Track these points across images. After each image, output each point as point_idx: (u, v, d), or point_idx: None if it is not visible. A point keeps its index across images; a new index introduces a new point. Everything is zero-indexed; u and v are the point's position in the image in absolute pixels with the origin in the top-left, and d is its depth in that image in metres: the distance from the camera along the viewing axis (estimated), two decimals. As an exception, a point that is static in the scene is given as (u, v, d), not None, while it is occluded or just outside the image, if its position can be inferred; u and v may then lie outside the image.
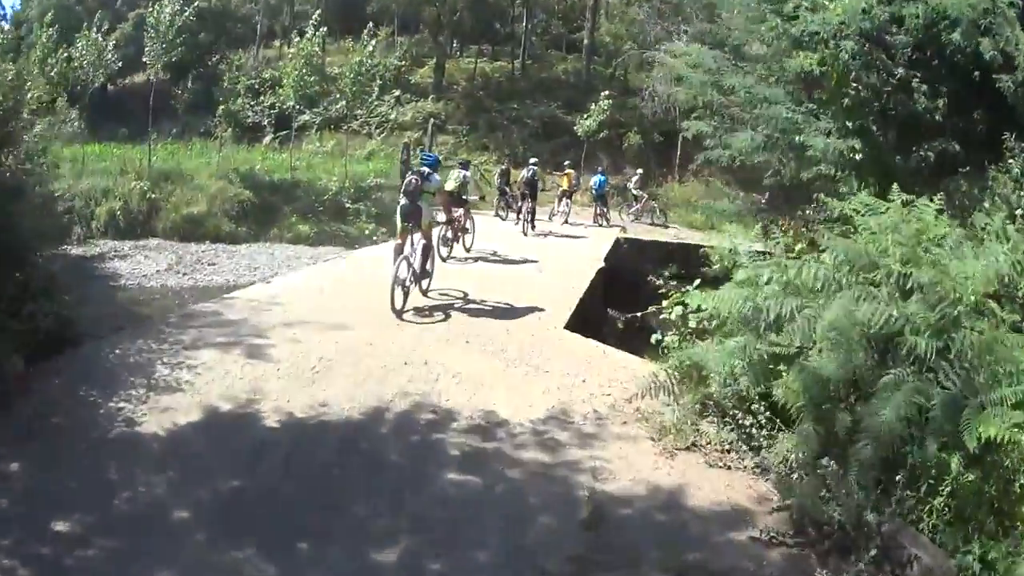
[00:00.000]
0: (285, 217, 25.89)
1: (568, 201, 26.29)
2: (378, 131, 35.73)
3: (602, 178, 28.18)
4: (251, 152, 33.85)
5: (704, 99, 14.99)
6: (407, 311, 10.89)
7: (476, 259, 16.72)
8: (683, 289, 10.36)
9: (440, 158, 14.32)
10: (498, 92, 39.12)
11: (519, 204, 22.85)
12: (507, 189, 24.13)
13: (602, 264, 18.26)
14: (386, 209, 26.62)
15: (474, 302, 12.19)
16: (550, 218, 25.83)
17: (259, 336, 9.31)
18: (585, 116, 33.02)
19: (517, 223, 22.17)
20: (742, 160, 14.54)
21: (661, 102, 32.64)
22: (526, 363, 9.07)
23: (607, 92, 33.75)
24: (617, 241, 23.44)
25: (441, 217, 15.31)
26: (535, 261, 17.25)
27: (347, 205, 27.61)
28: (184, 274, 20.42)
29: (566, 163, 28.54)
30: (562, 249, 20.22)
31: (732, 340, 7.06)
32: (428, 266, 12.12)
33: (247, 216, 25.63)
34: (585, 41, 42.70)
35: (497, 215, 24.26)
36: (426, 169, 11.70)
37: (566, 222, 25.77)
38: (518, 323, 10.99)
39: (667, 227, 30.08)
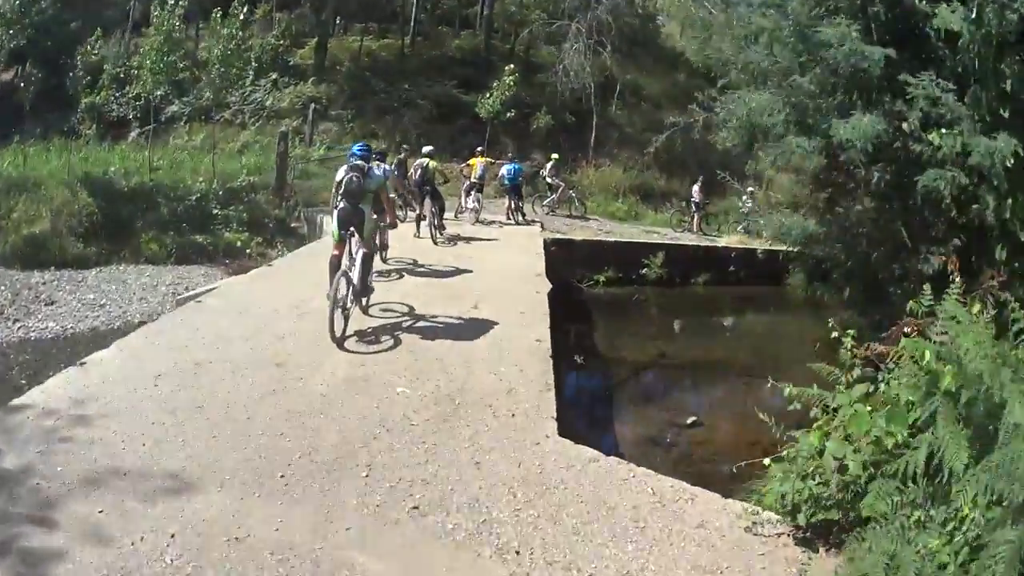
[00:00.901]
0: (143, 231, 21.05)
1: (478, 196, 22.49)
2: (253, 120, 31.06)
3: (516, 166, 24.39)
4: (111, 152, 28.84)
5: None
6: (349, 336, 9.58)
7: (399, 272, 14.44)
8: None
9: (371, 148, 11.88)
10: (386, 72, 34.80)
11: (420, 206, 18.89)
12: (406, 184, 19.99)
13: (546, 282, 14.72)
14: (260, 214, 23.02)
15: (423, 318, 10.94)
16: (456, 216, 22.11)
17: (37, 523, 4.92)
18: (487, 95, 29.31)
19: (418, 231, 18.28)
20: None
21: (577, 77, 29.21)
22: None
23: (511, 66, 30.13)
24: (544, 244, 19.97)
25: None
26: (469, 271, 14.99)
27: (215, 211, 22.96)
28: (14, 320, 15.71)
29: (479, 149, 24.76)
30: (488, 259, 16.76)
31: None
32: (369, 280, 10.73)
33: (97, 232, 20.74)
34: (485, 11, 38.69)
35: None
36: (365, 163, 10.24)
37: (477, 221, 22.17)
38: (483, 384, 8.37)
39: (587, 219, 27.07)
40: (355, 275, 9.91)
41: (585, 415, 11.61)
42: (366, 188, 10.09)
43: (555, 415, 7.53)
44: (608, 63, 31.95)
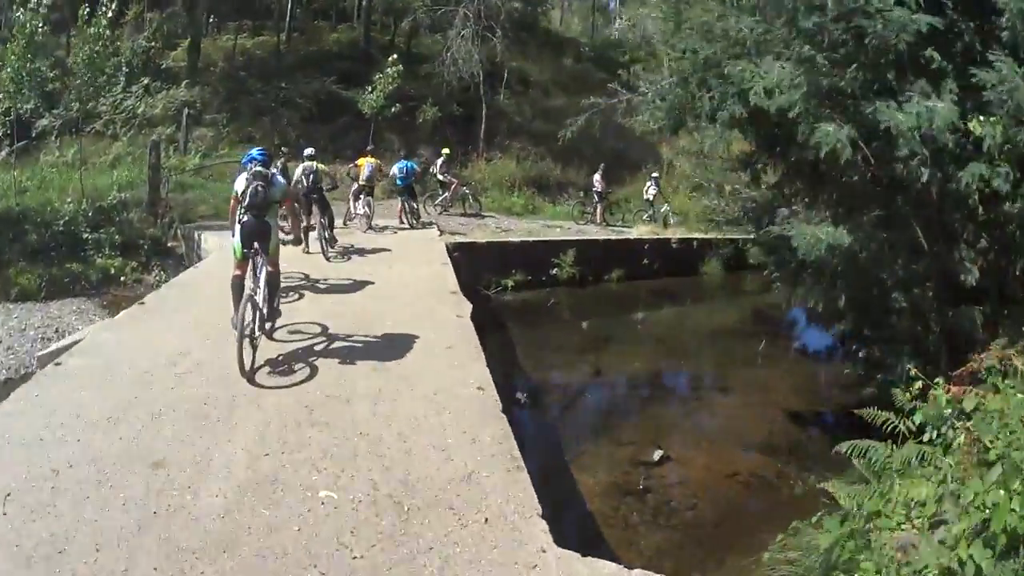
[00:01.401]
0: (11, 262, 17.49)
1: (369, 199, 19.73)
2: (125, 130, 27.44)
3: (409, 164, 21.82)
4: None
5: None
6: (260, 367, 8.39)
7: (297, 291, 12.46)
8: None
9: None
10: (262, 70, 31.43)
11: (307, 217, 15.84)
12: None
13: (464, 302, 12.47)
14: (134, 235, 19.79)
15: (339, 338, 9.68)
16: (346, 223, 19.52)
17: None
18: (369, 89, 26.68)
19: (307, 245, 14.93)
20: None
21: (465, 65, 26.99)
22: None
23: (395, 56, 27.50)
24: (447, 250, 17.82)
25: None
26: (373, 289, 12.96)
27: (86, 235, 19.33)
28: None
29: (368, 148, 21.89)
30: (391, 273, 14.45)
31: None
32: (277, 302, 9.54)
33: (-42, 270, 17.06)
34: (364, 2, 35.48)
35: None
36: (267, 170, 9.09)
37: (370, 227, 19.55)
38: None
39: (482, 216, 24.94)
40: (261, 298, 8.72)
41: (540, 467, 9.48)
42: (271, 198, 8.88)
43: (540, 510, 5.39)
44: (498, 49, 29.72)
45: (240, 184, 8.90)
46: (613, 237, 22.83)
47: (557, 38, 36.15)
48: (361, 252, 16.31)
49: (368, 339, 9.68)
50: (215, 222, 18.95)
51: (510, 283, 19.39)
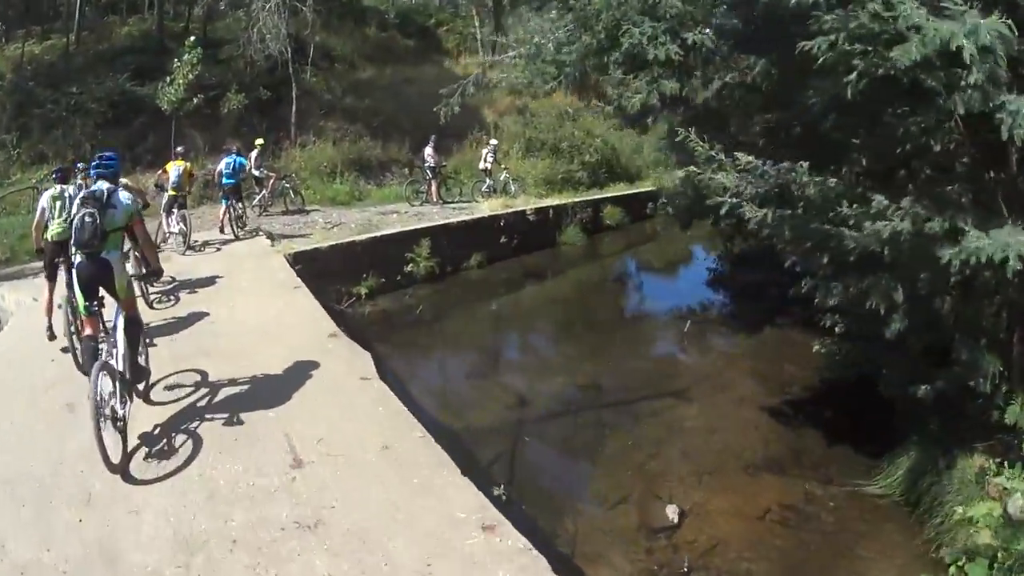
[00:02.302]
0: None
1: (183, 213, 15.95)
2: None
3: (238, 159, 18.12)
4: None
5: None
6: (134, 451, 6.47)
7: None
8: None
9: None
10: (51, 77, 25.17)
11: None
12: None
13: (358, 351, 9.80)
14: None
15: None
16: (160, 245, 15.18)
17: None
18: (168, 81, 22.11)
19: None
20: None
21: (273, 41, 23.25)
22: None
23: (192, 39, 22.72)
24: (288, 264, 14.75)
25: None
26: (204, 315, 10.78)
27: None
28: None
29: (178, 150, 17.43)
30: (240, 311, 11.30)
31: None
32: (142, 358, 7.45)
33: None
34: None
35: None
36: (105, 186, 6.90)
37: (189, 247, 15.81)
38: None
39: (307, 211, 21.54)
40: (119, 359, 6.84)
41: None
42: (110, 226, 6.79)
43: None
44: (308, 20, 25.70)
45: (45, 201, 7.70)
46: (466, 218, 19.91)
47: (358, 7, 32.48)
48: (188, 285, 12.77)
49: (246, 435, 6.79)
50: (11, 268, 14.84)
51: (363, 291, 16.29)
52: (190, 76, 21.39)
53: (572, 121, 31.39)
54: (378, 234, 17.27)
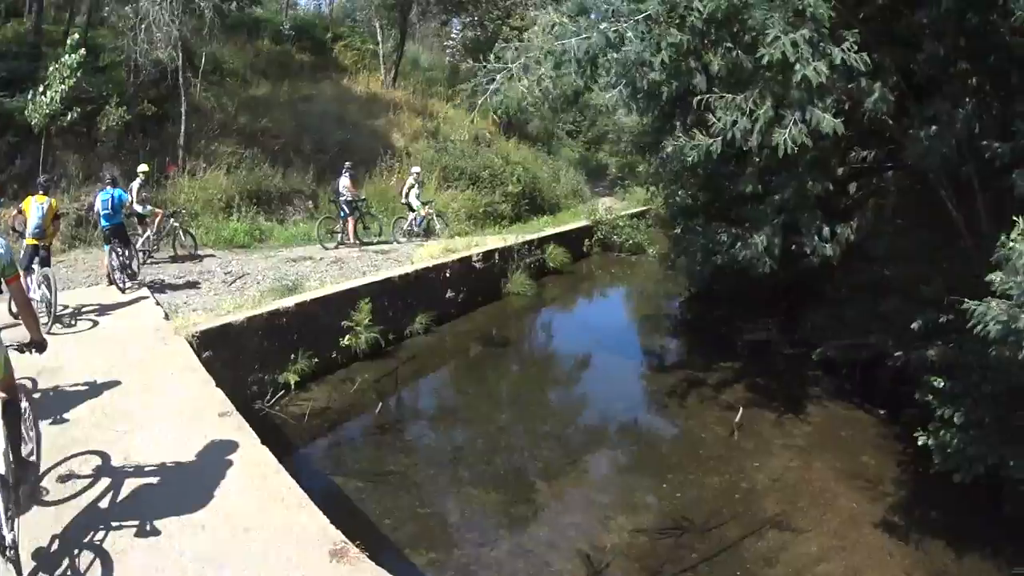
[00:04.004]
0: None
1: (47, 272, 10.96)
2: None
3: (117, 193, 13.32)
4: None
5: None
6: None
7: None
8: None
9: None
10: None
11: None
12: None
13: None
14: None
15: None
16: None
17: None
18: (41, 89, 16.34)
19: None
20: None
21: (163, 42, 18.16)
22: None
23: (75, 37, 16.55)
24: (192, 347, 10.23)
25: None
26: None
27: None
28: None
29: (41, 179, 12.28)
30: (133, 449, 6.95)
31: None
32: (32, 453, 5.85)
33: None
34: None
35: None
36: None
37: (57, 320, 10.90)
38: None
39: (199, 258, 16.83)
40: (3, 465, 4.90)
41: None
42: None
43: None
44: (206, 20, 20.31)
45: None
46: (407, 270, 15.41)
47: (249, 18, 27.38)
48: (53, 405, 7.99)
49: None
50: None
51: (292, 379, 11.75)
52: (68, 83, 16.02)
53: (487, 146, 27.60)
54: (306, 297, 12.73)
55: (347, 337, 12.90)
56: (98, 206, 13.26)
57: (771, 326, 15.22)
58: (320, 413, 11.40)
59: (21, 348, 5.75)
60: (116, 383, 8.67)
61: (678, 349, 15.70)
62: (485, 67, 9.85)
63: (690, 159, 8.82)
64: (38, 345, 5.78)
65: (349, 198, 18.69)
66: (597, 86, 10.68)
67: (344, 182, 18.72)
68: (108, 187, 13.37)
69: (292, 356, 11.93)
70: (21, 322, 5.87)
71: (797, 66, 7.38)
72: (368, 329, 13.05)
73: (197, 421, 7.65)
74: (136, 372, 9.04)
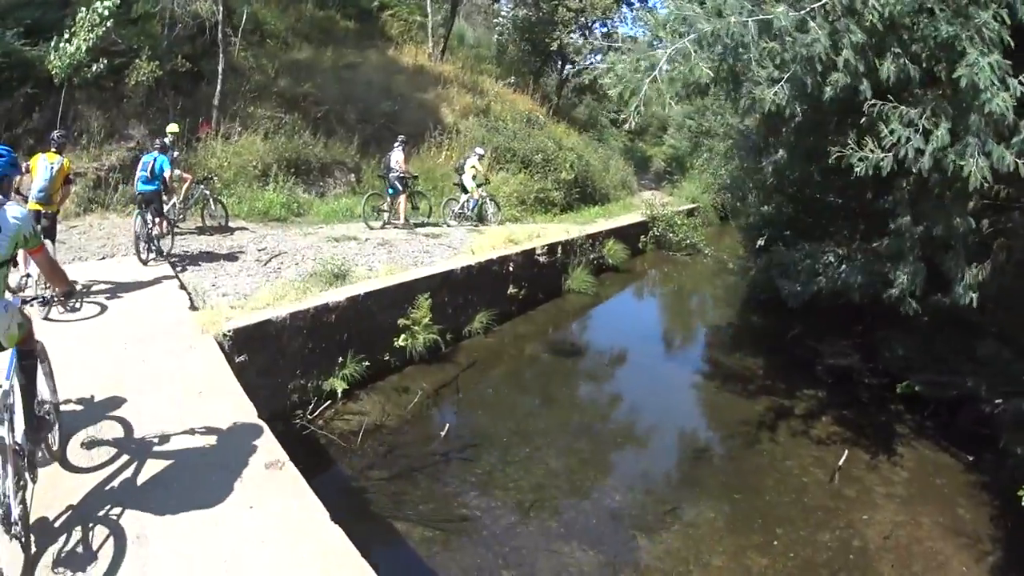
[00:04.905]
0: None
1: (47, 246, 7.43)
2: None
3: (159, 158, 11.50)
4: None
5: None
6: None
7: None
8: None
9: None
10: None
11: None
12: None
13: None
14: None
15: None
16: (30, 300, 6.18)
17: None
18: (66, 36, 13.97)
19: None
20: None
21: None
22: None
23: None
24: (222, 349, 8.05)
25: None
26: None
27: None
28: None
29: (56, 135, 9.68)
30: None
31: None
32: (43, 408, 5.10)
33: None
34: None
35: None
36: None
37: (60, 301, 6.68)
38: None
39: (230, 230, 14.62)
40: (16, 431, 4.40)
41: None
42: None
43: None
44: None
45: None
46: (470, 262, 13.07)
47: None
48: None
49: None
50: None
51: (339, 386, 9.53)
52: (97, 32, 13.76)
53: (539, 129, 25.29)
54: (359, 290, 10.44)
55: (402, 337, 10.67)
56: (141, 169, 11.41)
57: (851, 350, 13.33)
58: (374, 432, 9.15)
59: (45, 301, 5.35)
60: (120, 403, 6.44)
61: (756, 370, 13.47)
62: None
63: (858, 170, 7.40)
64: (69, 295, 5.15)
65: (400, 173, 16.37)
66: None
67: (396, 156, 16.38)
68: (155, 151, 11.52)
69: (340, 359, 9.72)
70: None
71: (987, 94, 6.31)
72: (427, 329, 10.82)
73: (233, 477, 5.39)
74: (150, 389, 6.79)
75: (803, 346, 13.74)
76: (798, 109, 7.62)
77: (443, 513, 7.79)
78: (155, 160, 11.29)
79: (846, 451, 9.93)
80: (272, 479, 5.36)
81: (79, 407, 6.31)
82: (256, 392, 7.17)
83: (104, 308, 8.96)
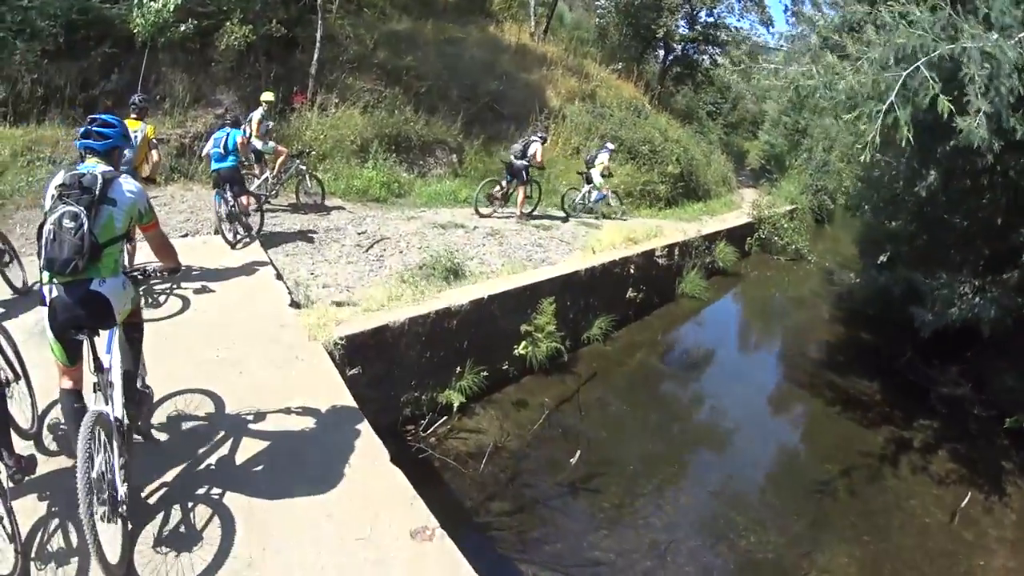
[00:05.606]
0: None
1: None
2: None
3: (232, 133, 10.21)
4: None
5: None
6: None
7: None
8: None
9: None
10: None
11: None
12: None
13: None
14: None
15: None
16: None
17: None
18: None
19: None
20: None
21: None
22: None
23: None
24: (333, 359, 6.71)
25: None
26: None
27: None
28: None
29: (137, 98, 8.69)
30: None
31: None
32: (142, 379, 4.83)
33: None
34: None
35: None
36: (98, 168, 4.09)
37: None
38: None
39: (326, 209, 13.19)
40: (116, 406, 4.18)
41: None
42: (105, 234, 3.96)
43: None
44: None
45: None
46: (593, 264, 11.50)
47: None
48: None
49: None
50: None
51: (457, 399, 8.15)
52: None
53: (644, 118, 23.53)
54: (483, 293, 8.93)
55: (523, 345, 9.22)
56: (208, 147, 10.24)
57: (961, 378, 12.27)
58: (495, 456, 7.76)
59: (149, 273, 4.52)
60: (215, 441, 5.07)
61: (873, 395, 12.05)
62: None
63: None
64: (172, 271, 4.71)
65: (525, 162, 14.68)
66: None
67: (535, 148, 14.66)
68: (228, 127, 10.30)
69: (458, 369, 8.27)
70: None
71: None
72: (549, 336, 9.34)
73: (369, 548, 3.95)
74: (247, 410, 5.38)
75: (916, 371, 12.53)
76: (995, 145, 6.41)
77: (574, 556, 6.66)
78: (228, 135, 10.09)
79: (968, 493, 9.10)
80: (419, 555, 3.97)
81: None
82: (366, 405, 5.95)
83: (189, 303, 7.57)
